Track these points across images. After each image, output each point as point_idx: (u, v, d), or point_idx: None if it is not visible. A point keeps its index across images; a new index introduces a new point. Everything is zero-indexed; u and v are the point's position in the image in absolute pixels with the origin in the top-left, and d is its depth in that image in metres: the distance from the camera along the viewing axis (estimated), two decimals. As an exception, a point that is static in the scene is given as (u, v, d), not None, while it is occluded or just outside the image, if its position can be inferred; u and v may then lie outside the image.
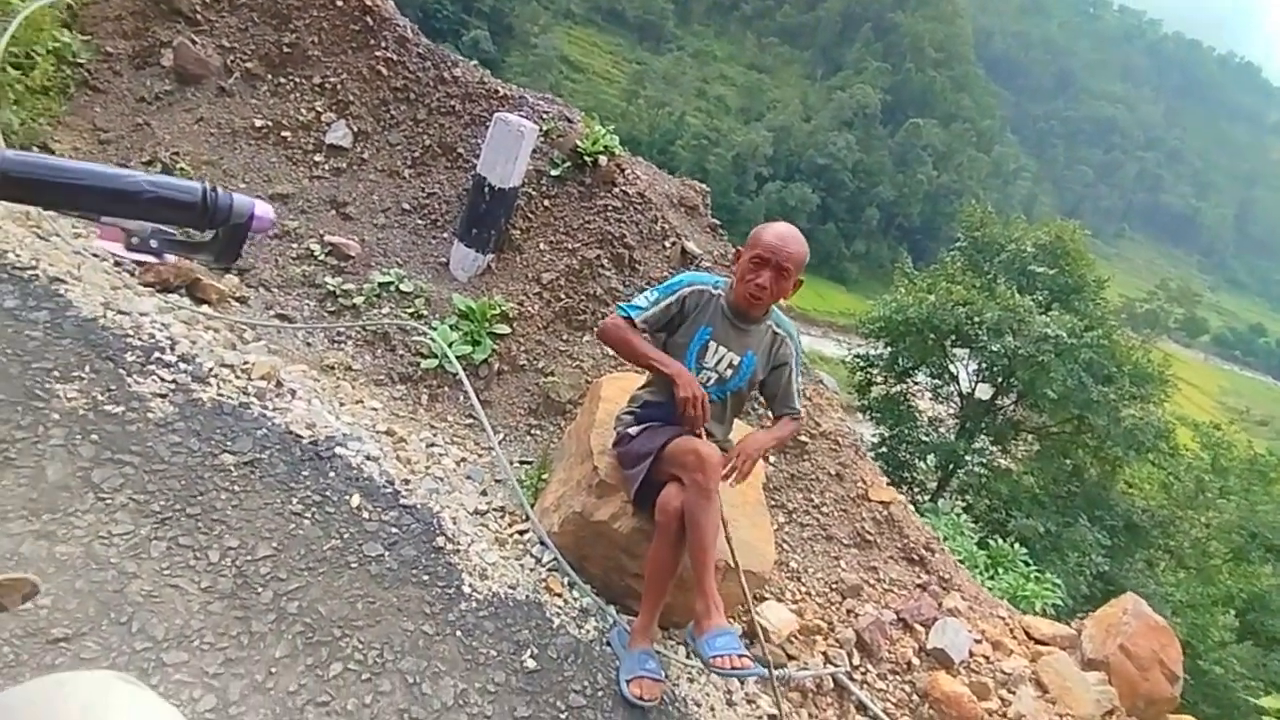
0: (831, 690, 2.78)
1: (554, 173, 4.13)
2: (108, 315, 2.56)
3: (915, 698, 2.87)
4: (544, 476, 2.99)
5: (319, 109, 4.35)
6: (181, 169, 3.95)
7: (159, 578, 1.80)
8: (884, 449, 13.46)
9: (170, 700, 1.56)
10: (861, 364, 14.62)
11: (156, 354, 2.50)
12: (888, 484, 3.82)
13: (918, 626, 3.14)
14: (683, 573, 2.22)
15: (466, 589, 2.22)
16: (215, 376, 2.57)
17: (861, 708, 2.77)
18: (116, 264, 3.21)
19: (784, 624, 2.86)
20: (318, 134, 4.32)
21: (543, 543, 2.59)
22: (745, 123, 70.53)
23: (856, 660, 2.94)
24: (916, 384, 14.74)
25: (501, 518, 2.75)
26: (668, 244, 4.04)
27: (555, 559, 2.53)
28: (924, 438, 13.62)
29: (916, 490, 12.97)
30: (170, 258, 0.70)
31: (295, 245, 3.92)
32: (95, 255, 3.13)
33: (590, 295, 3.84)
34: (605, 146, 4.12)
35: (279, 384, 2.76)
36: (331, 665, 1.79)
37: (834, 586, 3.20)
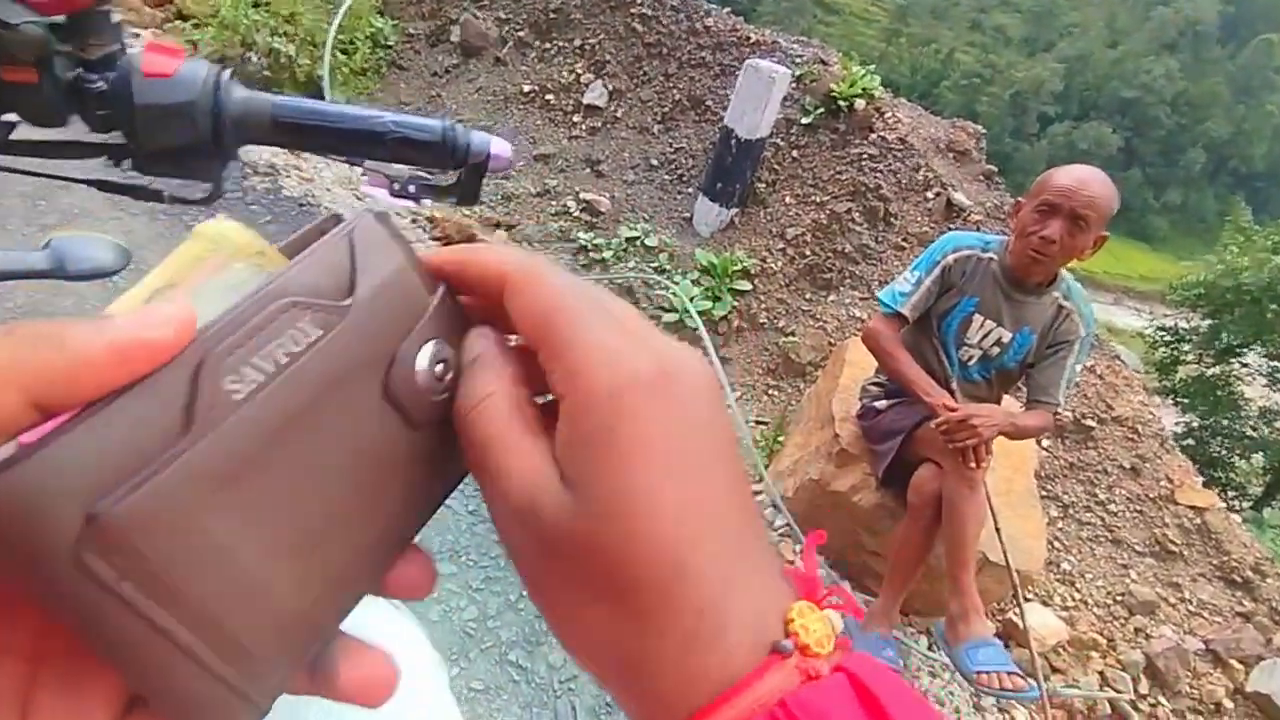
0: (1107, 717, 2.38)
1: (805, 121, 3.90)
2: (404, 265, 2.95)
3: (1224, 748, 2.35)
4: (779, 439, 2.90)
5: (579, 70, 4.56)
6: (464, 135, 4.41)
7: (435, 498, 2.04)
8: (1190, 441, 11.19)
9: (440, 606, 1.77)
10: (1167, 338, 12.18)
11: (439, 300, 2.83)
12: (1203, 485, 3.12)
13: (1234, 663, 2.56)
14: (931, 561, 2.00)
15: (697, 544, 2.23)
16: (484, 322, 2.84)
17: (1145, 744, 2.34)
18: (413, 221, 3.69)
19: (1050, 632, 2.49)
20: (577, 95, 4.54)
21: (775, 506, 2.51)
22: (1029, 55, 61.50)
23: (1145, 689, 2.48)
24: (1244, 366, 11.96)
25: (734, 476, 2.72)
26: (930, 195, 3.63)
27: (788, 525, 2.44)
28: (1250, 432, 11.06)
29: (1233, 495, 10.63)
30: (427, 202, 0.71)
31: (554, 203, 4.20)
32: (398, 213, 3.62)
33: (838, 252, 3.61)
34: (864, 89, 3.79)
35: (536, 332, 2.98)
36: (571, 598, 1.91)
37: (1119, 599, 2.71)
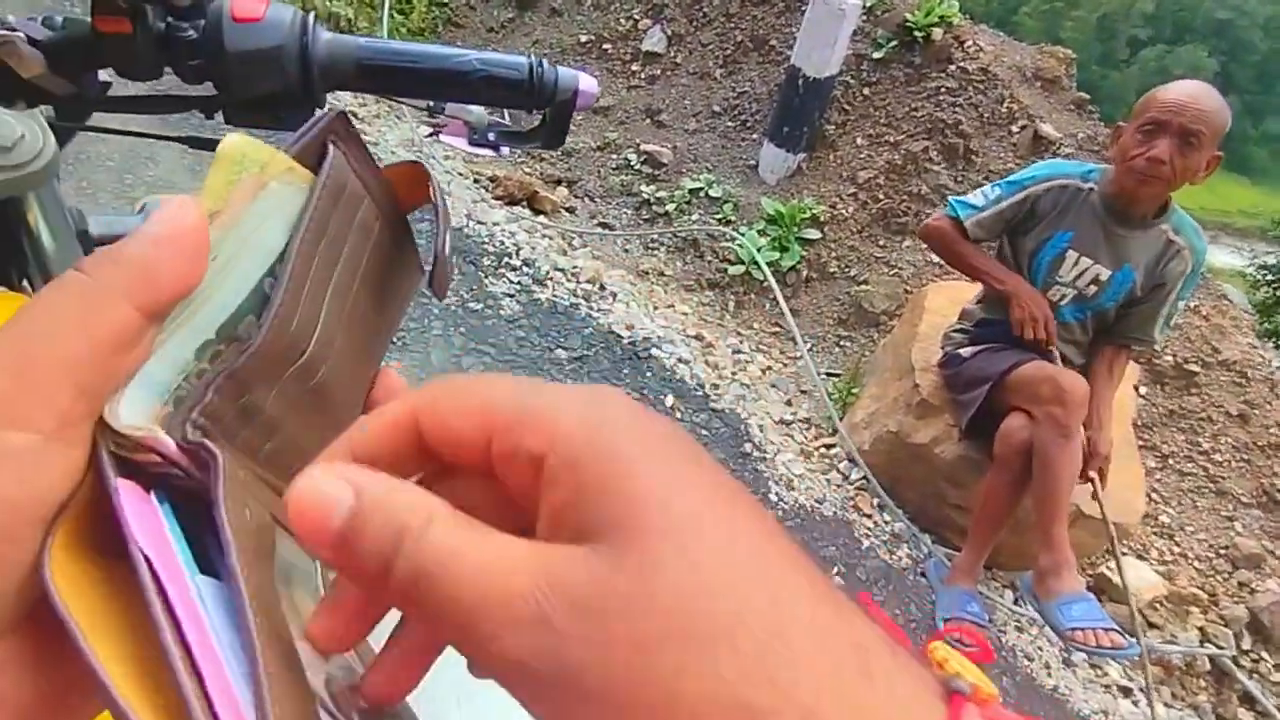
0: (1208, 673, 2.28)
1: (876, 55, 3.69)
2: (470, 225, 2.96)
3: (1339, 708, 2.22)
4: (853, 391, 2.82)
5: (636, 17, 4.42)
6: (522, 91, 4.36)
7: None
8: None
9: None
10: (1270, 277, 11.30)
11: (506, 258, 2.83)
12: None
13: (1350, 621, 2.40)
14: (1018, 513, 1.92)
15: (773, 497, 2.21)
16: (550, 279, 2.83)
17: (1248, 700, 2.23)
18: (474, 181, 3.69)
19: (1146, 587, 2.38)
20: (635, 43, 4.41)
21: (851, 460, 2.46)
22: (1117, -26, 56.64)
23: (1248, 644, 2.36)
24: (1360, 305, 11.01)
25: (807, 429, 2.67)
26: (1015, 128, 3.40)
27: (865, 478, 2.39)
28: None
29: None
30: (505, 150, 0.69)
31: (614, 156, 4.12)
32: (459, 173, 3.63)
33: (914, 195, 3.44)
34: (941, 17, 3.55)
35: (602, 287, 2.96)
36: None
37: (1222, 552, 2.56)
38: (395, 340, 2.34)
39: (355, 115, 3.54)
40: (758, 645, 0.15)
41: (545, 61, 0.60)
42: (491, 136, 0.71)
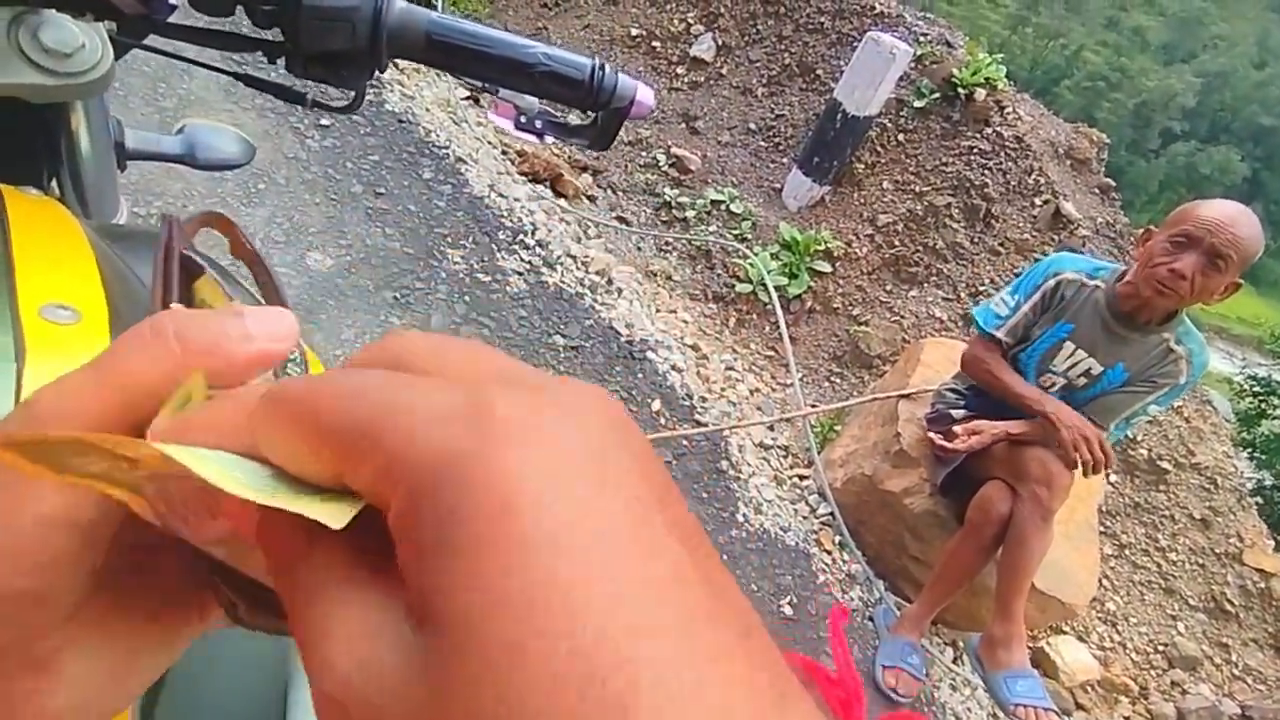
0: (1125, 764, 2.33)
1: (917, 104, 3.72)
2: (491, 196, 2.96)
3: (1246, 820, 2.27)
4: (836, 427, 2.85)
5: (690, 20, 4.43)
6: (565, 72, 4.36)
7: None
8: (1259, 499, 10.59)
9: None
10: (1256, 388, 11.44)
11: (521, 236, 2.84)
12: (1275, 549, 2.95)
13: (1272, 736, 2.45)
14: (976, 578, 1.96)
15: (740, 517, 2.23)
16: (560, 264, 2.85)
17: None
18: (502, 153, 3.69)
19: (1079, 668, 2.43)
20: (684, 45, 4.42)
21: (821, 494, 2.49)
22: (1165, 64, 57.04)
23: (1169, 743, 2.41)
24: (1338, 430, 11.17)
25: (784, 457, 2.70)
26: (1039, 201, 3.44)
27: (831, 514, 2.42)
28: (1328, 501, 10.40)
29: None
30: (549, 139, 0.70)
31: (644, 154, 4.14)
32: (489, 142, 3.63)
33: (929, 247, 3.47)
34: (987, 78, 3.58)
35: (609, 281, 2.97)
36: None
37: (1160, 649, 2.61)
38: (399, 297, 2.34)
39: (396, 65, 3.53)
40: None
41: (608, 66, 0.61)
42: (539, 124, 0.72)
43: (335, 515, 0.14)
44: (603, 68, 0.59)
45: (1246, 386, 11.73)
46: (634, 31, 4.52)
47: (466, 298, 2.44)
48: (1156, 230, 1.74)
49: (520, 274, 2.66)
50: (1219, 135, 50.11)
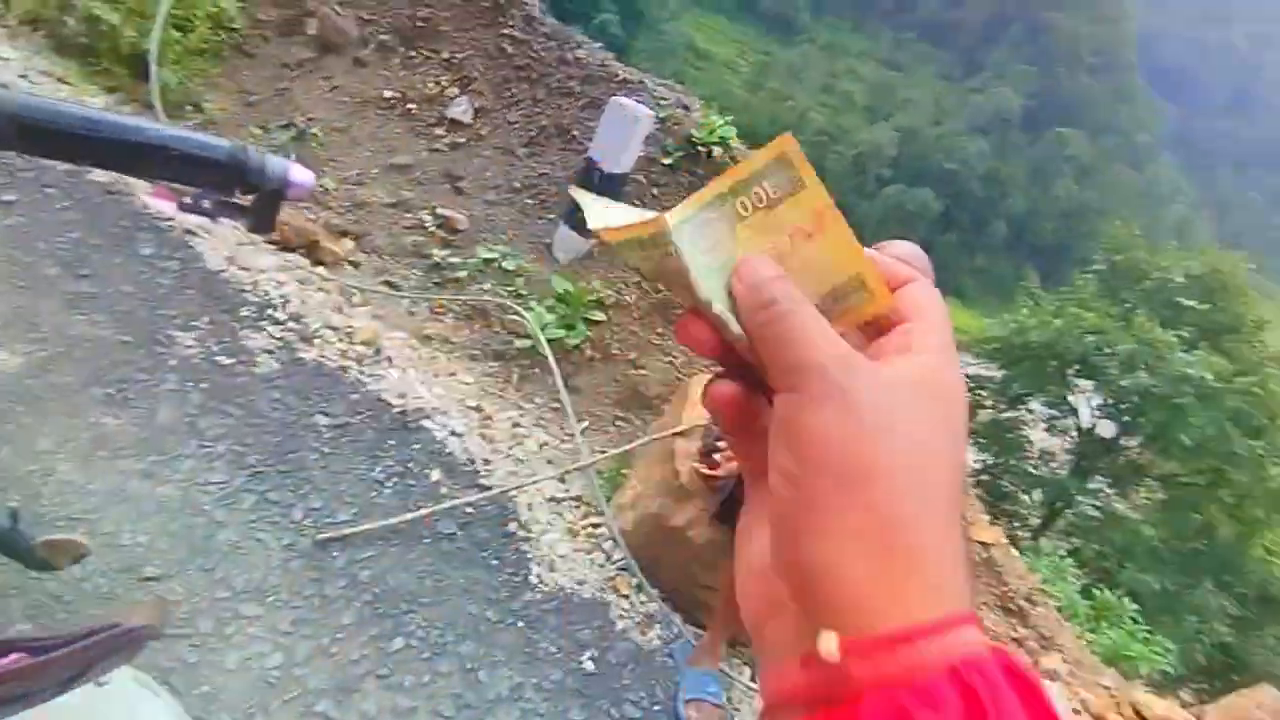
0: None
1: (666, 161, 4.04)
2: (230, 270, 2.70)
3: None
4: (624, 471, 2.93)
5: (444, 83, 4.44)
6: (314, 135, 4.14)
7: (246, 529, 1.86)
8: (985, 478, 12.65)
9: (241, 652, 1.60)
10: (971, 385, 13.76)
11: (269, 310, 2.61)
12: (990, 523, 3.52)
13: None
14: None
15: (534, 579, 2.19)
16: (319, 337, 2.65)
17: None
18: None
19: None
20: (440, 107, 4.41)
21: (614, 540, 2.53)
22: (870, 122, 67.92)
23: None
24: (1030, 412, 13.76)
25: (577, 508, 2.71)
26: (776, 243, 3.87)
27: (626, 559, 2.46)
28: (1032, 470, 12.71)
29: (1017, 526, 12.13)
30: (225, 220, 0.66)
31: (409, 215, 4.03)
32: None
33: (690, 290, 3.74)
34: (720, 137, 3.99)
35: (378, 350, 2.82)
36: (395, 639, 1.80)
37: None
38: (113, 393, 2.03)
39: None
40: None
41: (252, 148, 0.59)
42: (206, 205, 0.68)
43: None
44: (244, 149, 0.57)
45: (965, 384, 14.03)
46: (387, 94, 4.43)
47: (204, 384, 2.18)
48: None
49: (270, 352, 2.44)
50: (917, 179, 60.43)
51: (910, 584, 0.22)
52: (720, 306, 0.28)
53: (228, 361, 2.31)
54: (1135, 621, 5.51)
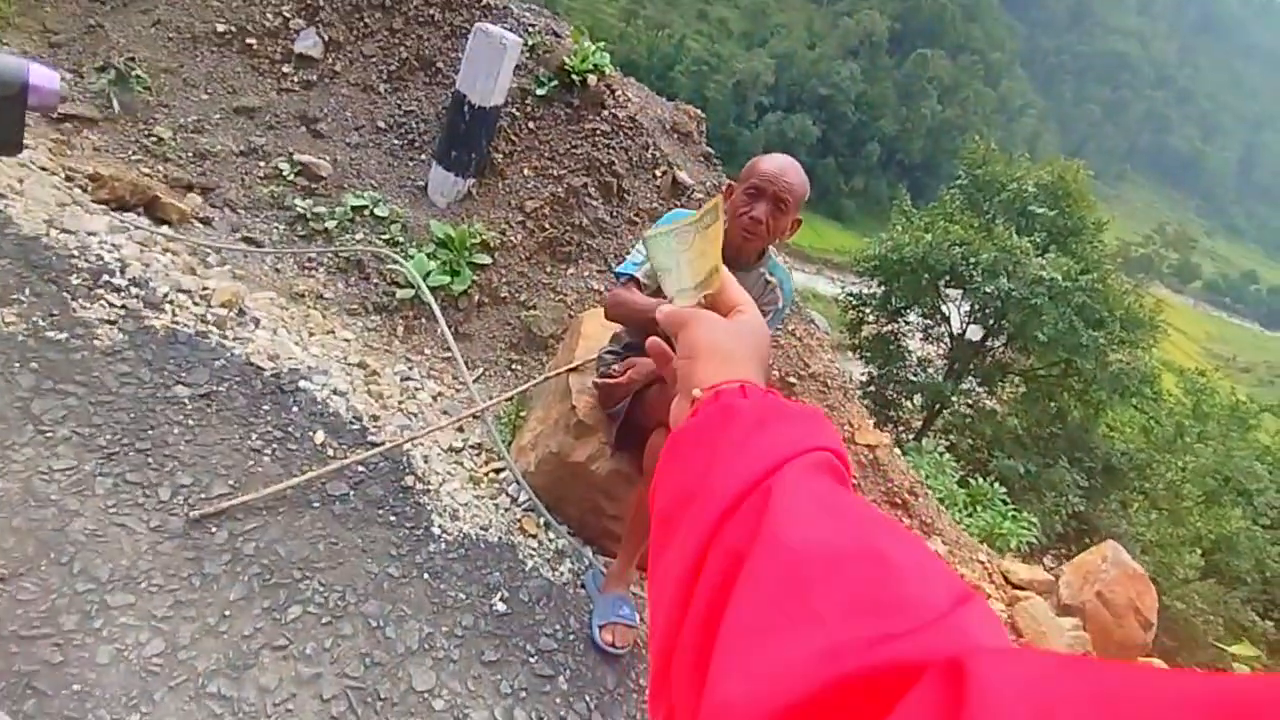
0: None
1: (539, 92, 3.87)
2: (51, 234, 2.39)
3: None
4: (522, 414, 2.89)
5: (286, 14, 4.03)
6: (139, 77, 3.68)
7: (104, 516, 1.70)
8: (872, 388, 13.48)
9: (114, 644, 1.48)
10: (854, 303, 14.48)
11: (105, 277, 2.34)
12: (874, 426, 3.75)
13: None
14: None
15: (436, 530, 2.15)
16: (170, 303, 2.42)
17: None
18: (66, 179, 3.00)
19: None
20: (286, 42, 4.02)
21: (518, 483, 2.51)
22: (747, 48, 67.91)
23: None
24: (908, 324, 14.66)
25: (477, 455, 2.66)
26: (659, 173, 3.83)
27: (531, 499, 2.45)
28: (912, 377, 13.62)
29: (901, 429, 13.07)
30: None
31: (263, 164, 3.70)
32: (42, 168, 2.92)
33: (576, 225, 3.67)
34: (595, 65, 3.86)
35: (241, 312, 2.61)
36: (290, 608, 1.72)
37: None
38: (-81, 383, 1.77)
39: None
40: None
41: None
42: None
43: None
44: None
45: (848, 302, 14.76)
46: (220, 28, 3.98)
47: (34, 364, 1.94)
48: (734, 184, 2.03)
49: (112, 323, 2.19)
50: (796, 105, 61.45)
51: (730, 376, 0.52)
52: (686, 285, 0.61)
53: (60, 337, 2.06)
54: (1004, 503, 6.09)
